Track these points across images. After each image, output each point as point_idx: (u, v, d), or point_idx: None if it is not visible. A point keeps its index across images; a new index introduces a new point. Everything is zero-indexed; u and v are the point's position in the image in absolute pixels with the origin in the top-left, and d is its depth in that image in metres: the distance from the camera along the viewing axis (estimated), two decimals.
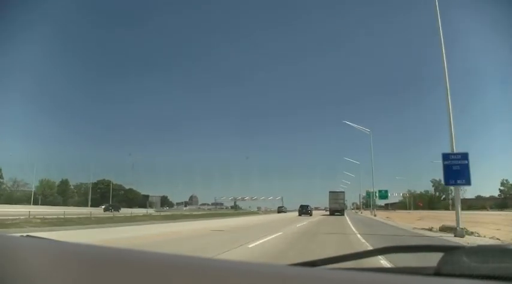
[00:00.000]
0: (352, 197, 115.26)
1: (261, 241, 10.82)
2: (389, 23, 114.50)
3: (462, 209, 13.44)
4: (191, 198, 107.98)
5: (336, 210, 47.50)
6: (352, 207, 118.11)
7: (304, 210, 47.34)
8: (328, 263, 1.02)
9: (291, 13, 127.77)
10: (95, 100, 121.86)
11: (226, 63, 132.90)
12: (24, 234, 1.50)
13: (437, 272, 0.83)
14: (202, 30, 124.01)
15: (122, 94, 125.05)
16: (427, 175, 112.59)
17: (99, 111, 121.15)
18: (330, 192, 52.23)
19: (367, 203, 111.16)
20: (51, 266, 0.95)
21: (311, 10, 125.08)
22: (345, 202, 55.62)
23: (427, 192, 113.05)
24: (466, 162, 12.97)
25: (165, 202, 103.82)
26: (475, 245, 1.07)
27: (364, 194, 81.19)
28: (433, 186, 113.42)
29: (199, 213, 60.96)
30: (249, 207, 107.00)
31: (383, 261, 5.59)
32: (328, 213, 52.43)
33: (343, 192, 54.83)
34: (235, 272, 0.80)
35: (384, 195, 55.13)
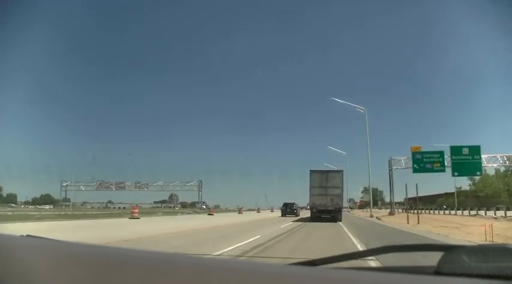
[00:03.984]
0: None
1: None
2: (384, 20, 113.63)
3: None
4: (171, 196, 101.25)
5: (326, 210, 24.07)
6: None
7: (289, 209, 38.19)
8: (328, 263, 1.02)
9: (287, 11, 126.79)
10: (89, 98, 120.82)
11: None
12: (24, 234, 1.50)
13: (437, 271, 0.83)
14: (197, 27, 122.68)
15: (113, 93, 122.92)
16: None
17: (93, 109, 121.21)
18: (311, 171, 25.56)
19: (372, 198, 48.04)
20: (51, 266, 0.95)
21: (308, 5, 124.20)
22: (342, 193, 25.40)
23: None
24: None
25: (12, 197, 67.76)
26: (476, 244, 1.08)
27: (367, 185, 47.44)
28: None
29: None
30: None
31: (383, 260, 5.61)
32: (309, 214, 26.37)
33: (341, 172, 26.30)
34: (235, 271, 0.80)
35: (473, 165, 22.98)
